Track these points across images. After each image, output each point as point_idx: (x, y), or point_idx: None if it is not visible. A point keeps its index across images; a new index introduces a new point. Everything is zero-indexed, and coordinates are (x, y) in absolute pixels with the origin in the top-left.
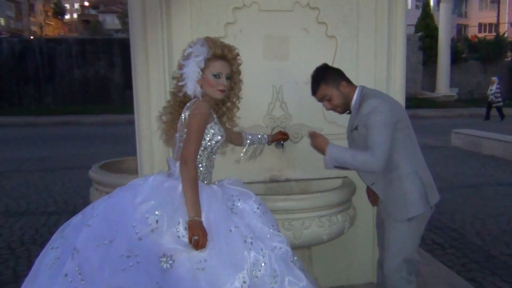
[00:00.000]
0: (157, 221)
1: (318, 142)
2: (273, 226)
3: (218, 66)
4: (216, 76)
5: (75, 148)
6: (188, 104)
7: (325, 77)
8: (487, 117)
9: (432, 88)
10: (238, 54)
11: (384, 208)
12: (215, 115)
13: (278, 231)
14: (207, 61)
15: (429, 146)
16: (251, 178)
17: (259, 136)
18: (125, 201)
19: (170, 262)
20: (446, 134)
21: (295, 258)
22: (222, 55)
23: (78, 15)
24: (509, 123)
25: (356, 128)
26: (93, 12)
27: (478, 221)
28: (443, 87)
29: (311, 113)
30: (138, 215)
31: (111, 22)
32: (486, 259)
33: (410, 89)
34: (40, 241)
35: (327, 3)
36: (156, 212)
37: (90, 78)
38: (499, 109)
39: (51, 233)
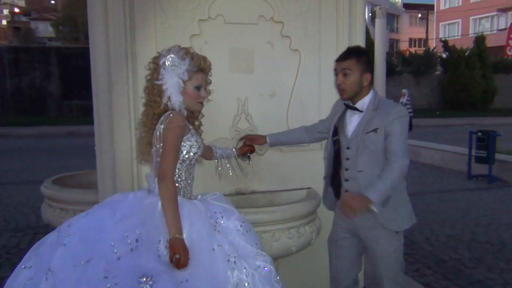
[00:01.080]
0: (137, 240)
1: (356, 202)
2: (256, 244)
3: (200, 78)
4: (197, 88)
5: (10, 162)
6: (162, 118)
7: (361, 56)
8: (410, 128)
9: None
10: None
11: (374, 221)
12: (191, 127)
13: (262, 250)
14: (191, 73)
15: None
16: (217, 191)
17: (228, 150)
18: (103, 218)
19: (150, 283)
20: None
21: (278, 278)
22: (203, 67)
23: (8, 22)
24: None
25: (375, 130)
26: (24, 19)
27: (425, 227)
28: None
29: (276, 125)
30: (117, 233)
31: (44, 29)
32: (437, 263)
33: None
34: None
35: (290, 17)
36: (137, 231)
37: (24, 88)
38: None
39: None
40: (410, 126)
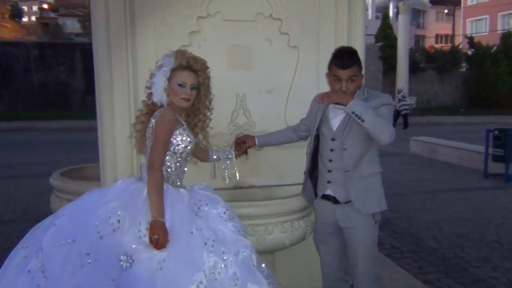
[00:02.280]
0: (118, 221)
1: (338, 92)
2: (238, 231)
3: (183, 76)
4: (181, 85)
5: (33, 155)
6: (156, 112)
7: (358, 58)
8: (406, 125)
9: (392, 96)
10: (206, 67)
11: (354, 213)
12: (183, 123)
13: (244, 237)
14: (173, 71)
15: (388, 153)
16: (216, 184)
17: (225, 152)
18: (91, 201)
19: (130, 261)
20: (405, 141)
21: (263, 265)
22: (187, 65)
23: (37, 18)
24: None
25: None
26: (52, 15)
27: (434, 225)
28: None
29: (273, 121)
30: (101, 215)
31: (71, 25)
32: (441, 261)
33: None
34: None
35: (289, 14)
36: (119, 212)
37: (49, 83)
38: (404, 117)
39: (7, 242)
40: (406, 124)
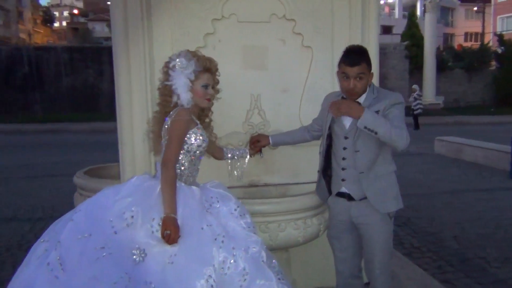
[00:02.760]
0: (132, 217)
1: (347, 104)
2: (249, 227)
3: (206, 78)
4: (205, 86)
5: (63, 156)
6: (171, 112)
7: (368, 57)
8: (417, 126)
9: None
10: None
11: (369, 209)
12: (198, 122)
13: (254, 233)
14: (197, 73)
15: (413, 153)
16: (231, 182)
17: (240, 151)
18: (106, 198)
19: (142, 255)
20: (431, 141)
21: (274, 261)
22: (209, 67)
23: (67, 23)
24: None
25: (376, 112)
26: (82, 20)
27: (456, 225)
28: (429, 95)
29: (288, 120)
30: (116, 210)
31: (100, 30)
32: (461, 262)
33: None
34: (26, 247)
35: (302, 15)
36: (133, 208)
37: (78, 86)
38: (415, 117)
39: (37, 239)
40: (417, 125)
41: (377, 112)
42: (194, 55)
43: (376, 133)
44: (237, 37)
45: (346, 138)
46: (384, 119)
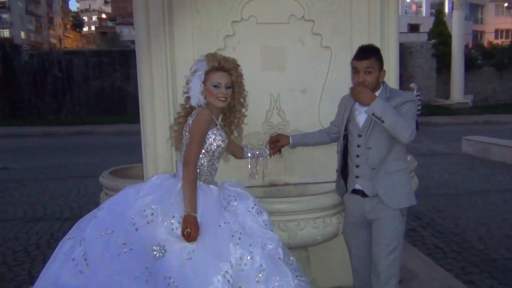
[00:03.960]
0: (152, 214)
1: (361, 89)
2: (266, 225)
3: (217, 77)
4: (216, 86)
5: (91, 157)
6: (193, 112)
7: (379, 55)
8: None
9: (446, 95)
10: (237, 65)
11: (381, 205)
12: (218, 123)
13: (272, 230)
14: (208, 73)
15: (440, 153)
16: (251, 182)
17: (260, 150)
18: (128, 196)
19: (162, 251)
20: (458, 141)
21: (291, 258)
22: (219, 66)
23: (96, 27)
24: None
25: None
26: (110, 24)
27: (482, 226)
28: (457, 94)
29: (307, 120)
30: (137, 208)
31: (128, 33)
32: (486, 262)
33: (424, 97)
34: (54, 245)
35: (321, 15)
36: (153, 206)
37: (106, 89)
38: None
39: None
40: (417, 126)
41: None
42: (207, 56)
43: (382, 121)
44: (256, 39)
45: (359, 136)
46: (393, 110)
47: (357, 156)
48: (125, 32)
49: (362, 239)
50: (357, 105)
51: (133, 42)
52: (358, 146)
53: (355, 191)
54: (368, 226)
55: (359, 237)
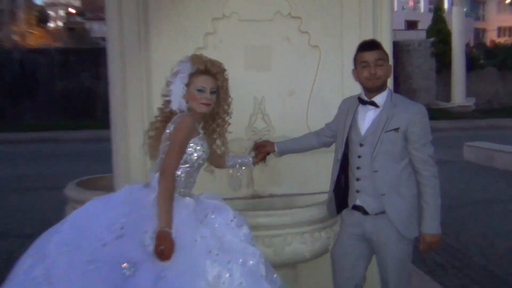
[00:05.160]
0: (122, 228)
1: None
2: (246, 239)
3: (202, 81)
4: (200, 90)
5: (56, 167)
6: (174, 118)
7: (385, 51)
8: None
9: (447, 98)
10: (224, 69)
11: (388, 225)
12: (201, 131)
13: (253, 245)
14: (191, 76)
15: (440, 161)
16: (232, 193)
17: (242, 159)
18: (95, 208)
19: (132, 269)
20: (460, 147)
21: (275, 276)
22: (205, 69)
23: (63, 23)
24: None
25: (396, 129)
26: (79, 19)
27: (485, 240)
28: (459, 96)
29: (294, 125)
30: (105, 222)
31: (99, 30)
32: (489, 279)
33: (423, 99)
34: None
35: (309, 12)
36: (122, 220)
37: (73, 91)
38: None
39: None
40: None
41: (396, 129)
42: (192, 58)
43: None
44: (239, 37)
45: (361, 145)
46: (433, 203)
47: (358, 168)
48: (96, 28)
49: (351, 260)
50: (360, 108)
51: (104, 39)
52: (359, 157)
53: (356, 208)
54: (364, 245)
55: (348, 257)
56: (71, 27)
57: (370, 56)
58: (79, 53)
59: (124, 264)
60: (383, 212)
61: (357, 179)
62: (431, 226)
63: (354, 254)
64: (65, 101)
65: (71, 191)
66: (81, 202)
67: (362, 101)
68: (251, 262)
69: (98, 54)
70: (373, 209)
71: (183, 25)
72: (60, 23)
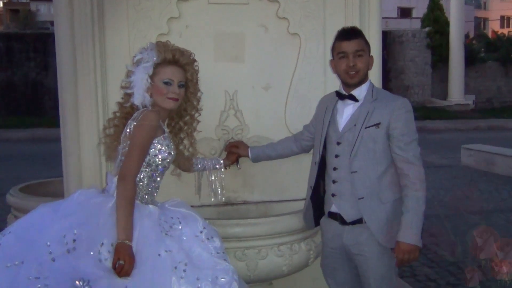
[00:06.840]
0: (74, 241)
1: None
2: (218, 253)
3: (169, 72)
4: (167, 83)
5: None
6: (135, 114)
7: (366, 40)
8: None
9: (444, 95)
10: (194, 60)
11: (366, 236)
12: (166, 130)
13: (224, 259)
14: (157, 66)
15: (435, 165)
16: (202, 200)
17: (212, 161)
18: (43, 217)
19: (86, 287)
20: (457, 150)
21: None
22: (173, 59)
23: (4, 4)
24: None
25: (376, 125)
26: (23, 0)
27: None
28: (457, 93)
29: (271, 123)
30: (54, 233)
31: (47, 12)
32: None
33: (417, 97)
34: None
35: None
36: (75, 231)
37: (17, 83)
38: None
39: None
40: None
41: (377, 125)
42: (159, 46)
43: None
44: (209, 22)
45: (338, 143)
46: (415, 215)
47: (335, 169)
48: (43, 11)
49: (343, 276)
50: (339, 104)
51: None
52: (336, 156)
53: (331, 215)
54: (349, 260)
55: (339, 273)
56: (14, 9)
57: (349, 46)
58: (24, 39)
59: (77, 282)
60: (361, 221)
61: (333, 181)
62: (406, 235)
63: (343, 271)
64: (7, 96)
65: (13, 197)
66: (25, 210)
67: (340, 96)
68: (222, 279)
69: (46, 40)
70: (350, 216)
71: (143, 7)
72: (0, 4)
